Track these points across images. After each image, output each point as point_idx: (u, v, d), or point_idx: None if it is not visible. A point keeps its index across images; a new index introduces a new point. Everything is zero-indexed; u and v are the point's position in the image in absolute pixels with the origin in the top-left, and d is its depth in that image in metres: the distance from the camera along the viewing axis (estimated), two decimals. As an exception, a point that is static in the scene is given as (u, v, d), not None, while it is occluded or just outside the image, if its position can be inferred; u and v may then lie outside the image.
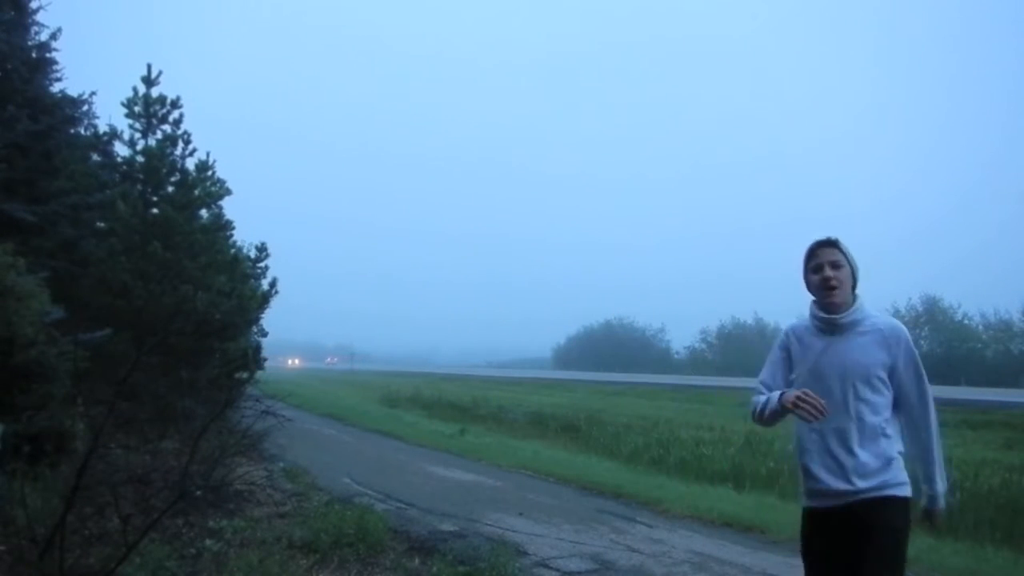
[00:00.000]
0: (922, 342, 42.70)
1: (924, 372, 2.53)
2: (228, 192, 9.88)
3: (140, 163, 8.90)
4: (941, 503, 2.55)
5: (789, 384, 2.61)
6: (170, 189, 9.00)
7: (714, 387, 28.07)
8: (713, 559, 5.25)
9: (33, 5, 7.65)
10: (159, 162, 8.82)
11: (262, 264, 11.18)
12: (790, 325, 2.73)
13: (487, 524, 6.15)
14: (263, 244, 11.25)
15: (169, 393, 7.21)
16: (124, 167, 9.02)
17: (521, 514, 6.60)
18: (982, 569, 5.27)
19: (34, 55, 7.68)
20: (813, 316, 2.63)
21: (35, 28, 7.78)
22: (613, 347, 67.00)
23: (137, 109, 8.88)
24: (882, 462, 2.43)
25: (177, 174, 9.13)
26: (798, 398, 2.36)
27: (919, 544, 4.85)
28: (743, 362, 48.80)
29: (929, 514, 2.58)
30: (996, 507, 7.64)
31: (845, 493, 2.44)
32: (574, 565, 5.03)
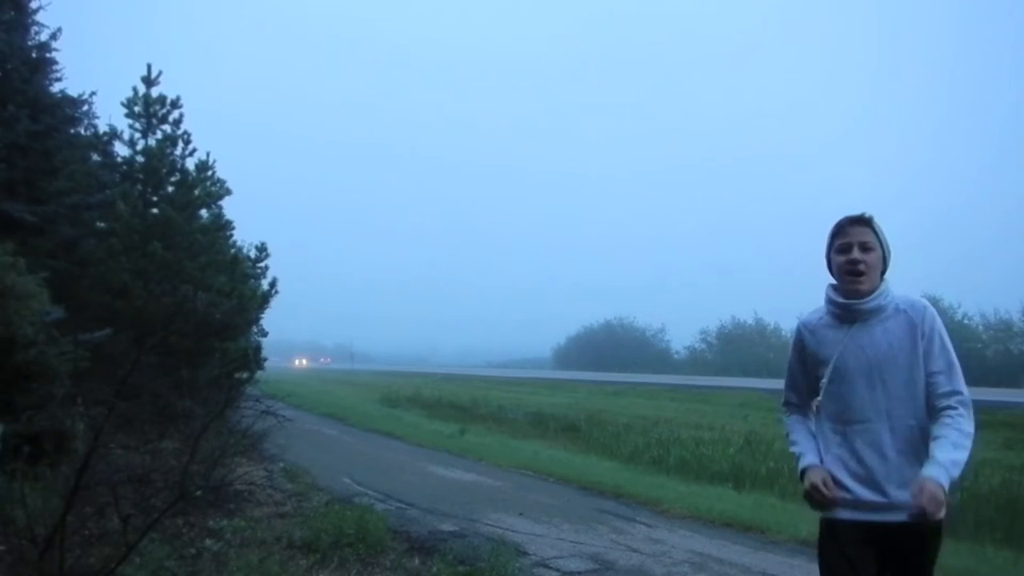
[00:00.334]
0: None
1: (955, 357, 2.20)
2: (228, 192, 9.90)
3: (140, 163, 8.91)
4: (941, 475, 2.01)
5: (814, 388, 2.31)
6: (170, 189, 9.01)
7: (714, 387, 28.07)
8: (713, 559, 5.25)
9: (33, 5, 7.64)
10: (159, 162, 8.83)
11: (262, 264, 11.20)
12: (802, 319, 2.41)
13: (487, 524, 6.15)
14: (263, 244, 11.29)
15: (169, 393, 7.21)
16: (124, 167, 9.03)
17: (521, 514, 6.61)
18: (982, 569, 5.26)
19: (34, 55, 7.67)
20: (830, 302, 2.31)
21: (35, 28, 7.76)
22: (613, 347, 66.99)
23: (137, 109, 8.89)
24: (918, 468, 2.08)
25: (177, 174, 9.15)
26: (812, 487, 2.17)
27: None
28: (743, 362, 48.85)
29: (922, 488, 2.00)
30: (996, 507, 7.65)
31: (876, 505, 2.13)
32: (574, 565, 5.03)
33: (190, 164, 9.27)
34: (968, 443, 2.10)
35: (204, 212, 9.61)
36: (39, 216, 6.71)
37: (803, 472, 2.24)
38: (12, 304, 4.98)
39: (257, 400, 8.38)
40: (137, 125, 8.93)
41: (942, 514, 2.03)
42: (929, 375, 2.17)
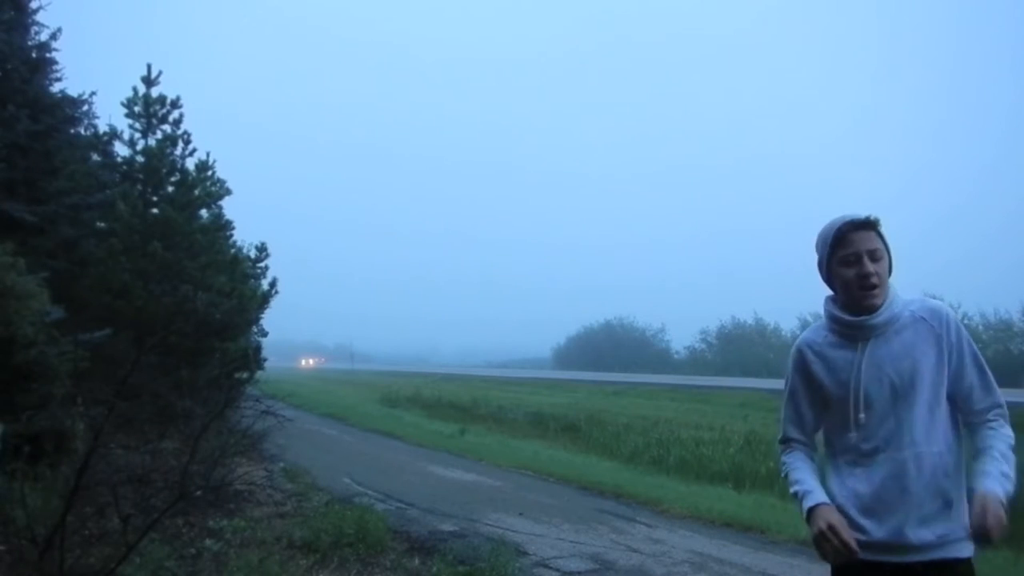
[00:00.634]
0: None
1: (986, 364, 1.94)
2: (228, 192, 9.91)
3: (140, 163, 8.91)
4: (999, 490, 1.79)
5: (820, 413, 2.04)
6: (170, 189, 9.02)
7: (714, 387, 28.05)
8: (713, 559, 5.25)
9: (33, 5, 7.65)
10: (159, 162, 8.84)
11: (262, 264, 11.22)
12: (804, 339, 2.07)
13: (487, 524, 6.15)
14: (263, 244, 11.30)
15: (169, 393, 7.21)
16: (124, 167, 9.03)
17: (521, 514, 6.61)
18: (982, 569, 5.24)
19: (34, 55, 7.68)
20: (834, 319, 1.99)
21: (35, 28, 7.77)
22: (613, 347, 66.93)
23: (137, 109, 8.90)
24: (941, 504, 1.84)
25: (177, 174, 9.16)
26: (829, 528, 1.82)
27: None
28: (743, 362, 48.82)
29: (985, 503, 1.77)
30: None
31: (893, 547, 1.86)
32: (574, 565, 5.03)
33: (190, 164, 9.30)
34: (1014, 456, 1.88)
35: (204, 212, 9.62)
36: (39, 216, 6.72)
37: (810, 513, 1.91)
38: (12, 304, 4.98)
39: (257, 400, 8.37)
40: (137, 125, 8.94)
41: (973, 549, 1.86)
42: (962, 391, 1.92)
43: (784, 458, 2.10)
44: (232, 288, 9.14)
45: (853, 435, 1.93)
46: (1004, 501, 1.78)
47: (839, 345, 1.97)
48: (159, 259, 8.08)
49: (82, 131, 8.81)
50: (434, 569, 4.74)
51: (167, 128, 9.06)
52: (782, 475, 2.10)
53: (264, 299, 10.58)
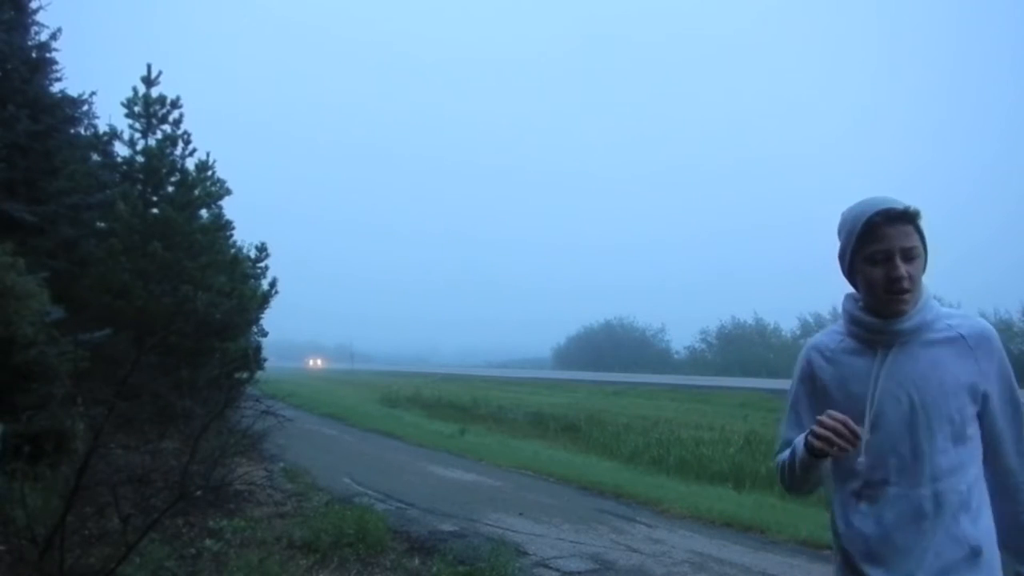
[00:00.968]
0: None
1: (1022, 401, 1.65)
2: (228, 192, 9.90)
3: (140, 163, 8.91)
4: None
5: None
6: (170, 189, 9.02)
7: (714, 387, 28.06)
8: (713, 559, 5.25)
9: (33, 5, 7.65)
10: (159, 162, 8.83)
11: (262, 264, 11.21)
12: (813, 343, 1.76)
13: (487, 524, 6.15)
14: (263, 244, 11.29)
15: (169, 393, 7.21)
16: (124, 167, 9.03)
17: (521, 514, 6.61)
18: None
19: (34, 55, 7.68)
20: (854, 322, 1.67)
21: (35, 28, 7.77)
22: (613, 347, 66.97)
23: (137, 109, 8.89)
24: (967, 552, 1.55)
25: (177, 174, 9.15)
26: (819, 425, 1.55)
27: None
28: (743, 362, 48.84)
29: None
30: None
31: None
32: (574, 565, 5.03)
33: (190, 164, 9.30)
34: None
35: (204, 212, 9.61)
36: (39, 216, 6.72)
37: (795, 448, 1.66)
38: (12, 304, 4.98)
39: (257, 400, 8.37)
40: (137, 125, 8.94)
41: None
42: (990, 438, 1.62)
43: (777, 458, 1.80)
44: (232, 288, 9.14)
45: (861, 459, 1.60)
46: None
47: (856, 351, 1.66)
48: (159, 259, 8.08)
49: (82, 131, 8.82)
50: (434, 569, 4.74)
51: (167, 128, 9.06)
52: (779, 472, 1.77)
53: (264, 299, 10.57)
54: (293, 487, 7.27)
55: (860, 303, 1.67)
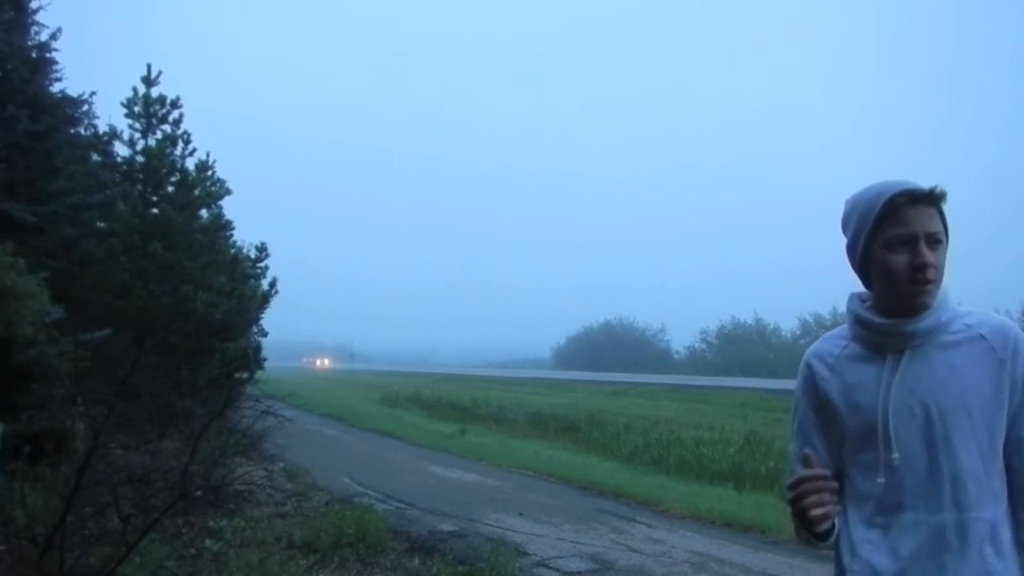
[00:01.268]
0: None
1: None
2: (228, 192, 9.90)
3: (140, 163, 8.91)
4: None
5: (837, 454, 1.48)
6: (170, 189, 9.01)
7: (714, 387, 28.08)
8: (713, 559, 5.25)
9: (33, 5, 7.65)
10: (159, 162, 8.83)
11: (262, 264, 11.20)
12: (813, 350, 1.53)
13: (487, 524, 6.15)
14: (263, 244, 11.29)
15: (169, 393, 7.21)
16: (124, 167, 9.03)
17: (521, 514, 6.61)
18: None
19: (34, 55, 7.67)
20: (860, 323, 1.46)
21: (35, 28, 7.77)
22: (613, 347, 67.05)
23: (137, 109, 8.89)
24: None
25: (177, 174, 9.15)
26: (796, 482, 1.33)
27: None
28: (743, 362, 48.89)
29: None
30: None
31: None
32: (574, 565, 5.03)
33: (190, 164, 9.29)
34: None
35: (204, 212, 9.61)
36: (39, 216, 6.72)
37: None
38: (12, 304, 4.98)
39: (257, 400, 8.37)
40: (137, 125, 8.93)
41: None
42: (1017, 447, 1.38)
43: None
44: (232, 288, 9.13)
45: (881, 481, 1.39)
46: None
47: (862, 358, 1.45)
48: (159, 259, 8.08)
49: (82, 131, 8.81)
50: (434, 569, 4.74)
51: (167, 128, 9.05)
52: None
53: (264, 299, 10.57)
54: (293, 487, 7.27)
55: (867, 303, 1.47)
